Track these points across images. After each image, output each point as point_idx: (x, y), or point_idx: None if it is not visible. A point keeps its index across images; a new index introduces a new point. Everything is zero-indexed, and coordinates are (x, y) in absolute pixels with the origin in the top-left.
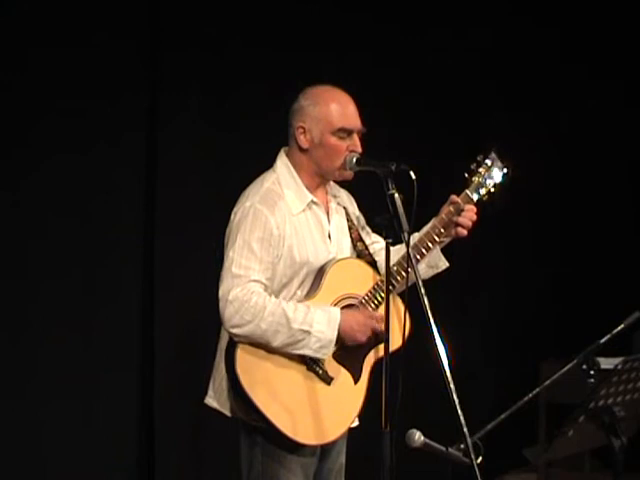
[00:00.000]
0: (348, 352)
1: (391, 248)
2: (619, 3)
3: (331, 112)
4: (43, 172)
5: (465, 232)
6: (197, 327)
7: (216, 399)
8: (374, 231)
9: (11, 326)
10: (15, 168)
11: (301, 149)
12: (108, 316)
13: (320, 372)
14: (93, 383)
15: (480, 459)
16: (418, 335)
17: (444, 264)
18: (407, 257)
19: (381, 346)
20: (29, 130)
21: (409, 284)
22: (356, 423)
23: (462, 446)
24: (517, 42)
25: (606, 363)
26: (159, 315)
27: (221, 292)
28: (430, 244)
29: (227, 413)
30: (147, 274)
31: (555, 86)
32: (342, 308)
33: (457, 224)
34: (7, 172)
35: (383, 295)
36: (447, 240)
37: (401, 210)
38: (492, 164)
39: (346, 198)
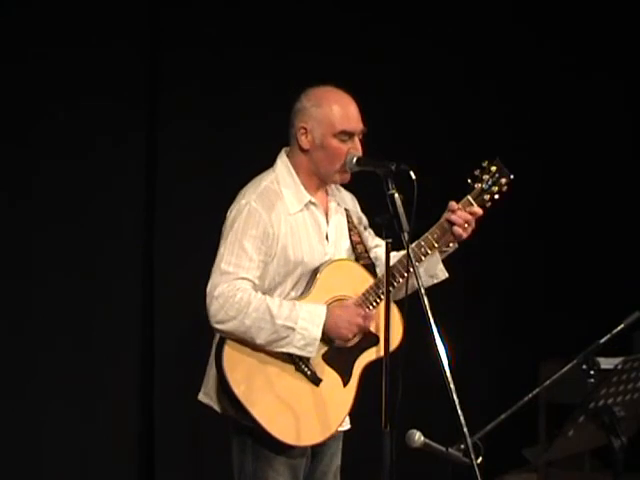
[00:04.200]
0: (339, 354)
1: (391, 253)
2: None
3: (333, 114)
4: (43, 172)
5: (461, 231)
6: (197, 327)
7: (208, 395)
8: (376, 233)
9: (11, 326)
10: (15, 168)
11: (302, 149)
12: (108, 316)
13: (308, 373)
14: (93, 383)
15: (480, 459)
16: (418, 335)
17: (443, 274)
18: (407, 257)
19: (373, 349)
20: (29, 130)
21: (409, 291)
22: (348, 426)
23: (462, 446)
24: (519, 45)
25: (606, 363)
26: (159, 315)
27: (208, 288)
28: (429, 250)
29: (218, 410)
30: (147, 274)
31: (556, 87)
32: None
33: (450, 222)
34: (7, 172)
35: (377, 298)
36: (450, 249)
37: (401, 210)
38: (496, 171)
39: (349, 199)
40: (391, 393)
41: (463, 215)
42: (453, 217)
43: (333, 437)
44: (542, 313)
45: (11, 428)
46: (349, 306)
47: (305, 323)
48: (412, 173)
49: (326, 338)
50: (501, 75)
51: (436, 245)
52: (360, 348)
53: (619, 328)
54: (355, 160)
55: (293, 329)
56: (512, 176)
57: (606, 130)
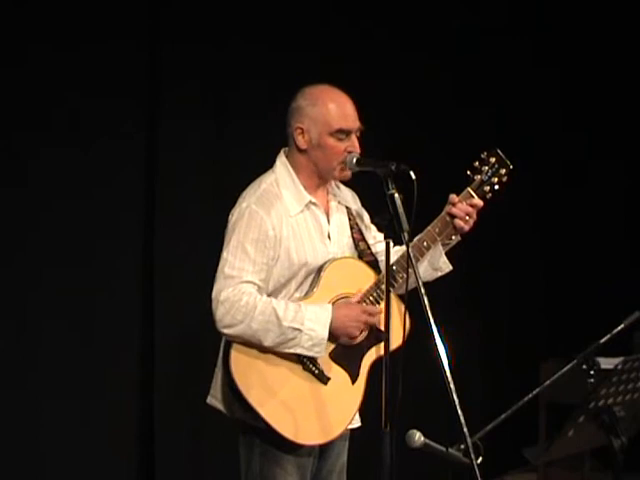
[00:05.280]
0: (346, 351)
1: (393, 249)
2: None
3: (329, 113)
4: (42, 172)
5: (462, 224)
6: (197, 327)
7: (217, 398)
8: (379, 230)
9: (11, 326)
10: (14, 167)
11: (299, 149)
12: (108, 316)
13: (316, 372)
14: (93, 383)
15: (480, 459)
16: (418, 335)
17: (447, 267)
18: (407, 257)
19: (380, 345)
20: (28, 129)
21: (410, 287)
22: (358, 424)
23: (462, 446)
24: (518, 45)
25: (606, 363)
26: (159, 315)
27: (213, 293)
28: (430, 243)
29: (227, 412)
30: (147, 274)
31: (555, 87)
32: None
33: (451, 215)
34: (7, 170)
35: (381, 293)
36: (453, 242)
37: (401, 210)
38: (496, 162)
39: (350, 197)
40: (391, 393)
41: (464, 207)
42: (454, 210)
43: (342, 435)
44: (542, 313)
45: (11, 429)
46: (354, 304)
47: (312, 324)
48: (412, 173)
49: (333, 337)
50: (501, 75)
51: (438, 238)
52: (367, 345)
53: (619, 328)
54: (355, 160)
55: (300, 330)
56: (512, 166)
57: (606, 130)
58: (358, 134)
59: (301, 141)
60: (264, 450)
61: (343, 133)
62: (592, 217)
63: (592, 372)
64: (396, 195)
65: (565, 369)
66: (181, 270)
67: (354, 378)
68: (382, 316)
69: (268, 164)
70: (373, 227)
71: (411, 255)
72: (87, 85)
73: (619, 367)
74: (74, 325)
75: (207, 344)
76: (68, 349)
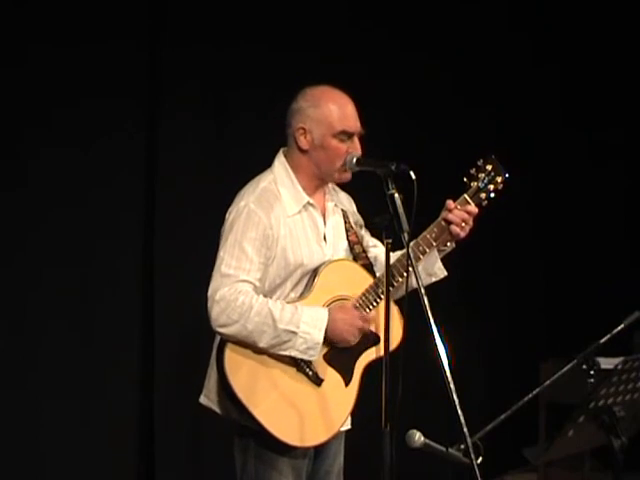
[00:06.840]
0: (340, 354)
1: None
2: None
3: (332, 114)
4: (42, 172)
5: (458, 230)
6: (197, 327)
7: (210, 398)
8: (372, 234)
9: (11, 326)
10: (14, 167)
11: (300, 150)
12: (108, 316)
13: (310, 373)
14: (93, 383)
15: (480, 459)
16: (418, 335)
17: (442, 273)
18: (407, 257)
19: (374, 348)
20: (28, 129)
21: (408, 289)
22: (348, 426)
23: (462, 446)
24: (515, 50)
25: (606, 363)
26: (159, 315)
27: (209, 292)
28: (426, 248)
29: (220, 412)
30: (147, 274)
31: (553, 88)
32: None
33: (448, 221)
34: (7, 170)
35: (377, 298)
36: (447, 249)
37: (401, 210)
38: (492, 169)
39: (345, 200)
40: (391, 393)
41: (460, 214)
42: (450, 216)
43: (336, 437)
44: (542, 313)
45: (10, 430)
46: (349, 309)
47: (307, 327)
48: (412, 173)
49: (328, 340)
50: (501, 75)
51: (434, 244)
52: (361, 348)
53: (619, 328)
54: (355, 160)
55: (295, 333)
56: (507, 175)
57: (606, 129)
58: (359, 137)
59: (303, 142)
60: (259, 453)
61: (346, 135)
62: (592, 217)
63: (592, 372)
64: (396, 195)
65: (565, 369)
66: (181, 270)
67: (348, 380)
68: (377, 319)
69: (268, 164)
70: (368, 232)
71: (411, 255)
72: (87, 85)
73: (619, 367)
74: (74, 325)
75: (207, 344)
76: (68, 349)
